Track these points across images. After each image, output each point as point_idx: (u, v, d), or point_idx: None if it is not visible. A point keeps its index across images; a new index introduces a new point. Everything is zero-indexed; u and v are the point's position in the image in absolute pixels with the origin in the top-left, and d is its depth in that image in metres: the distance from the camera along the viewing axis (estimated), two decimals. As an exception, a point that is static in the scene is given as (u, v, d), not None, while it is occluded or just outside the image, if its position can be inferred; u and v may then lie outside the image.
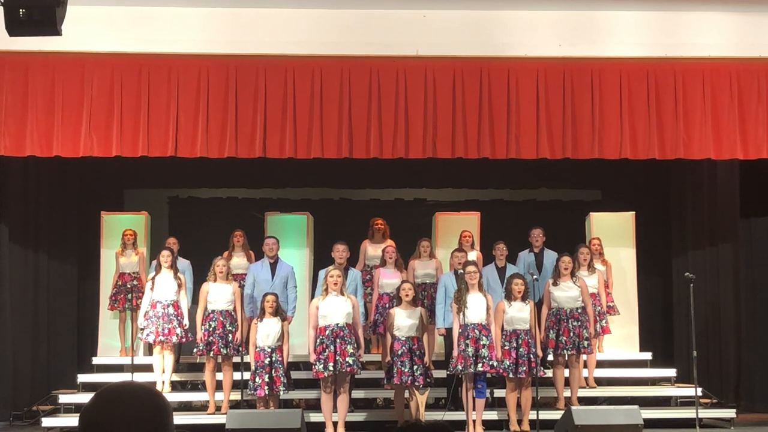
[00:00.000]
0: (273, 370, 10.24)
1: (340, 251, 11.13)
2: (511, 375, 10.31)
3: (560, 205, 14.91)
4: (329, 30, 11.11)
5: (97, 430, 2.30)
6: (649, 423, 10.14)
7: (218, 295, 10.85)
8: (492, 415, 10.78)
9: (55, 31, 7.55)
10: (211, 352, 10.74)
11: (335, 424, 10.18)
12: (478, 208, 13.50)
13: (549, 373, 11.21)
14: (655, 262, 13.93)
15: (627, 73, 11.35)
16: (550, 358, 11.14)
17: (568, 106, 11.28)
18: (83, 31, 10.42)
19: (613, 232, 13.09)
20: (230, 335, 10.77)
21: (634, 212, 13.32)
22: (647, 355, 12.71)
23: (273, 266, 11.38)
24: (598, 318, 11.66)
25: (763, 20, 11.08)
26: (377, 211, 13.47)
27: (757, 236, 13.13)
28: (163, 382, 11.06)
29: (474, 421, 10.20)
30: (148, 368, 11.44)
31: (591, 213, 13.40)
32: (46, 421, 10.96)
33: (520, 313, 10.41)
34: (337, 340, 9.99)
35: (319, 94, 11.13)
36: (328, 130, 11.11)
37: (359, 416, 10.97)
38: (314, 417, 10.46)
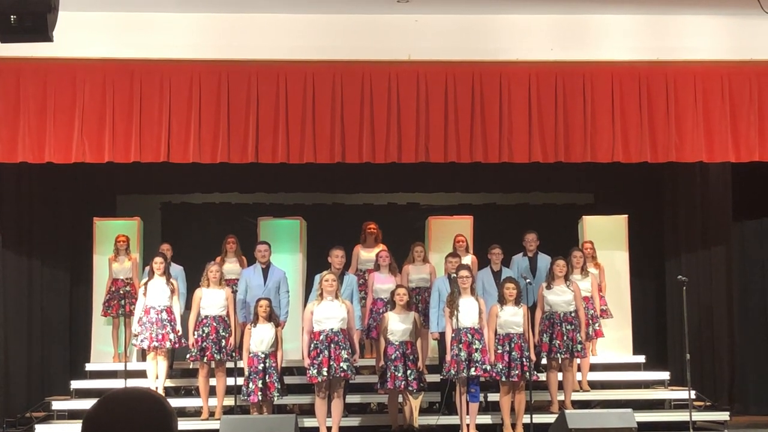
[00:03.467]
0: (267, 376, 10.23)
1: (339, 257, 11.12)
2: (504, 378, 10.32)
3: (553, 209, 14.92)
4: (321, 35, 11.11)
5: None
6: (643, 426, 10.13)
7: (211, 300, 10.85)
8: (486, 419, 10.78)
9: (47, 37, 7.53)
10: (205, 358, 10.73)
11: (329, 429, 10.17)
12: (470, 212, 13.48)
13: (542, 377, 11.22)
14: (648, 265, 13.93)
15: (619, 77, 11.37)
16: (544, 362, 11.15)
17: (561, 109, 11.29)
18: (75, 37, 10.41)
19: (606, 236, 13.10)
20: (223, 341, 10.76)
21: (626, 215, 13.33)
22: (641, 358, 12.72)
23: (265, 271, 11.38)
24: (591, 321, 11.68)
25: (753, 23, 11.10)
26: (370, 216, 13.45)
27: (749, 239, 13.17)
28: (156, 388, 11.03)
29: (468, 426, 10.21)
30: (141, 374, 11.42)
31: (584, 216, 13.40)
32: (40, 428, 10.94)
33: (512, 317, 10.42)
34: (332, 345, 9.99)
35: (311, 99, 11.12)
36: (320, 135, 11.10)
37: (353, 421, 10.97)
38: (308, 422, 10.45)
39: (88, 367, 12.27)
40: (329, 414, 10.20)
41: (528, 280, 10.86)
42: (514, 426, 10.54)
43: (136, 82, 11.04)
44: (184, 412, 11.55)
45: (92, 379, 12.07)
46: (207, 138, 11.07)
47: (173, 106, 11.06)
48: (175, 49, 11.02)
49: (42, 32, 7.47)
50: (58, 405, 11.43)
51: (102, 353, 12.55)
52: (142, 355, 11.77)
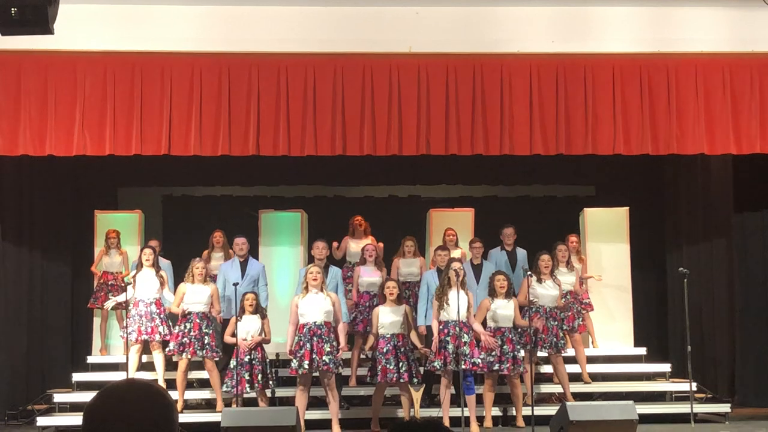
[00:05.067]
0: (253, 367, 10.30)
1: (320, 248, 11.12)
2: (490, 371, 10.32)
3: (554, 201, 14.94)
4: (322, 27, 11.10)
5: (101, 429, 2.30)
6: (644, 418, 10.14)
7: (195, 296, 10.84)
8: (479, 411, 10.72)
9: (48, 29, 7.52)
10: (185, 354, 10.72)
11: (309, 421, 10.13)
12: (472, 205, 13.50)
13: (543, 369, 11.26)
14: (649, 258, 13.94)
15: (620, 69, 11.35)
16: (542, 353, 11.19)
17: (562, 102, 11.28)
18: (76, 30, 10.40)
19: (607, 228, 13.11)
20: (207, 337, 10.76)
21: (627, 208, 13.33)
22: (642, 350, 12.74)
23: (243, 265, 11.42)
24: (576, 315, 11.73)
25: (754, 15, 11.09)
26: (371, 208, 13.47)
27: (750, 231, 13.13)
28: (156, 380, 11.06)
29: (468, 418, 10.21)
30: (143, 367, 11.46)
31: (585, 209, 13.42)
32: (41, 421, 10.97)
33: (504, 311, 10.45)
34: (314, 339, 9.99)
35: (312, 91, 11.11)
36: (321, 128, 11.09)
37: (353, 414, 10.97)
38: (309, 415, 10.46)
39: (90, 359, 12.31)
40: (312, 407, 10.27)
41: (529, 272, 10.87)
42: (514, 418, 10.59)
43: (137, 74, 11.03)
44: (185, 404, 11.57)
45: (93, 371, 12.09)
46: (208, 131, 11.06)
47: (174, 98, 11.05)
48: (176, 42, 11.00)
49: (43, 25, 7.47)
50: (59, 397, 11.45)
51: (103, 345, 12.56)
52: (146, 348, 11.77)
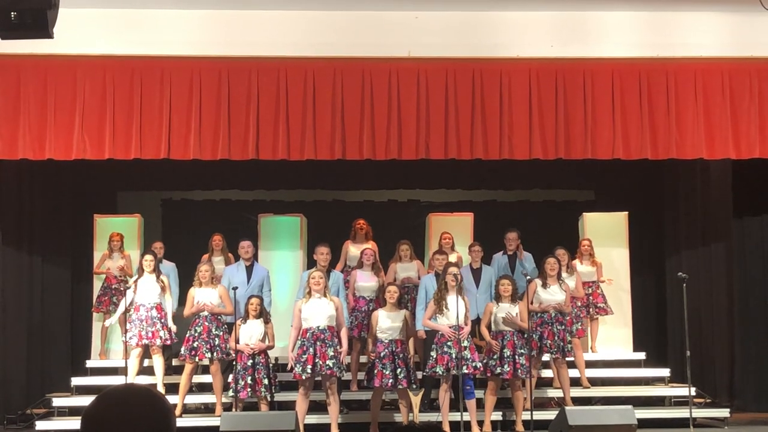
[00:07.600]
0: (255, 372, 10.29)
1: (323, 254, 11.11)
2: (491, 375, 10.32)
3: (553, 206, 14.94)
4: (321, 31, 11.10)
5: None
6: (643, 423, 10.15)
7: (203, 299, 10.84)
8: (479, 416, 10.71)
9: (47, 33, 7.52)
10: (196, 357, 10.72)
11: (308, 426, 10.12)
12: (471, 209, 13.51)
13: (544, 374, 11.25)
14: (648, 262, 13.95)
15: (619, 74, 11.36)
16: (545, 357, 11.17)
17: (561, 106, 11.28)
18: (75, 34, 10.40)
19: (606, 233, 13.11)
20: (217, 339, 10.76)
21: (627, 212, 13.34)
22: (641, 355, 12.73)
23: (249, 269, 11.41)
24: (573, 320, 11.70)
25: (754, 20, 11.09)
26: (371, 213, 13.47)
27: (749, 236, 13.15)
28: (155, 385, 11.04)
29: (467, 422, 10.20)
30: (143, 371, 11.45)
31: (584, 213, 13.43)
32: (40, 425, 10.97)
33: (505, 315, 10.43)
34: (318, 343, 9.98)
35: (311, 95, 11.12)
36: (321, 132, 11.10)
37: (352, 419, 10.96)
38: (308, 419, 10.45)
39: (89, 363, 12.29)
40: (311, 411, 10.27)
41: (528, 277, 10.86)
42: (513, 423, 10.58)
43: (137, 78, 11.04)
44: (184, 409, 11.55)
45: (93, 375, 12.08)
46: (207, 135, 11.06)
47: (174, 102, 11.05)
48: (176, 46, 11.01)
49: (42, 29, 7.47)
50: (58, 401, 11.45)
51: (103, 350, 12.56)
52: (145, 353, 11.76)
